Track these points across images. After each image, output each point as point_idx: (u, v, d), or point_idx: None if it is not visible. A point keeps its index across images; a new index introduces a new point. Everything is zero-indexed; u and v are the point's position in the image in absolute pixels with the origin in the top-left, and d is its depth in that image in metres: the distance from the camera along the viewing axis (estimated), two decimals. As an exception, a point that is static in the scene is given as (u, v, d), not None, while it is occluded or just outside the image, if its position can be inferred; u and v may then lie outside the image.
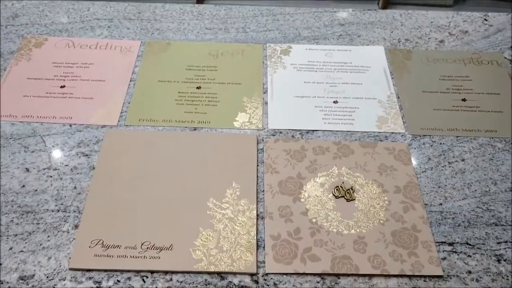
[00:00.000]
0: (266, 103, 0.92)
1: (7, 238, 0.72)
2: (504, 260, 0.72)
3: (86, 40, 1.03)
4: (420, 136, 0.88)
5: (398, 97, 0.94)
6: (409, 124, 0.90)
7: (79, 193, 0.77)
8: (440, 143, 0.87)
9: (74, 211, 0.75)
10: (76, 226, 0.73)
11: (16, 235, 0.72)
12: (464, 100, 0.94)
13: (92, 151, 0.83)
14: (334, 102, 0.93)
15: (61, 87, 0.92)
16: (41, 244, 0.71)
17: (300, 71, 0.99)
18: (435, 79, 0.98)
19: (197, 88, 0.94)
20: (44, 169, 0.80)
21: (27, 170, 0.80)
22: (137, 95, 0.92)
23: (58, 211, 0.75)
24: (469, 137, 0.88)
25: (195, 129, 0.87)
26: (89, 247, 0.71)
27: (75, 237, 0.72)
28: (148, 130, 0.87)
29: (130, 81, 0.95)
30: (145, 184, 0.79)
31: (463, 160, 0.85)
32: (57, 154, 0.83)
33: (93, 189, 0.78)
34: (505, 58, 1.03)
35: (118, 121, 0.88)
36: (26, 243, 0.71)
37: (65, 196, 0.77)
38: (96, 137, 0.85)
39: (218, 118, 0.89)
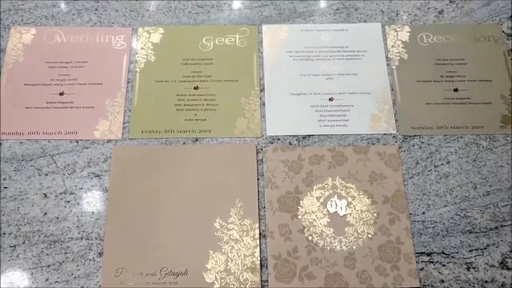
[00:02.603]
0: (264, 103, 0.95)
1: (41, 269, 0.82)
2: (473, 268, 0.84)
3: (75, 30, 0.99)
4: (410, 137, 0.93)
5: (392, 89, 0.96)
6: (401, 123, 0.94)
7: (98, 219, 0.85)
8: (429, 144, 0.92)
9: (96, 238, 0.84)
10: (100, 254, 0.83)
11: (49, 265, 0.82)
12: (456, 90, 0.96)
13: (102, 171, 0.88)
14: (329, 99, 0.95)
15: (60, 94, 0.93)
16: (72, 274, 0.82)
17: (296, 61, 0.98)
18: (430, 63, 0.99)
19: (195, 88, 0.95)
20: (61, 193, 0.87)
21: (45, 196, 0.86)
22: (136, 101, 0.94)
23: (82, 239, 0.84)
24: (456, 136, 0.93)
25: (196, 140, 0.91)
26: (115, 276, 0.81)
27: (101, 265, 0.82)
28: (152, 144, 0.91)
29: (128, 82, 0.95)
30: (156, 205, 0.86)
31: (448, 162, 0.91)
32: (70, 176, 0.88)
33: (110, 215, 0.85)
34: (503, 32, 1.02)
35: (122, 133, 0.91)
36: (59, 273, 0.82)
37: (85, 223, 0.85)
38: (103, 154, 0.90)
39: (217, 125, 0.92)
